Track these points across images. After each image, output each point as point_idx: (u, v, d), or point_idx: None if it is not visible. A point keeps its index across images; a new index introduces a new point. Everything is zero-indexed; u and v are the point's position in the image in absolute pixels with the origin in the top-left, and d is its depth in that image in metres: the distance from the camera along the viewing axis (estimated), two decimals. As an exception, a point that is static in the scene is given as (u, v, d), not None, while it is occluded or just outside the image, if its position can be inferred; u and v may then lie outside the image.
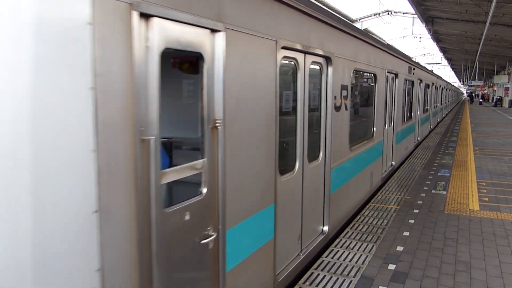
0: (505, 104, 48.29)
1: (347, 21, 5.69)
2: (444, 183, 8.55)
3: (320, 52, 4.53)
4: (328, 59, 4.87)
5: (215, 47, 2.71)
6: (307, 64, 4.35)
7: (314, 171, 4.69)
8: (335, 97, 5.05)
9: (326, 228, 5.05)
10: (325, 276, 4.30)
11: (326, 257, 4.78)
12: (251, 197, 3.24)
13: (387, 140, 8.92)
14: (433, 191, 7.85)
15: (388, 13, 40.23)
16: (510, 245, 5.23)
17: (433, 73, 20.92)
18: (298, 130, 4.29)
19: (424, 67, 16.45)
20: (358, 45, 6.13)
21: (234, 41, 2.86)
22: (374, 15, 40.47)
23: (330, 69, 4.90)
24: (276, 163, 3.63)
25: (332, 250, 4.98)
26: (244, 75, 3.03)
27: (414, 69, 12.06)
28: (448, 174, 9.39)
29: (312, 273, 4.37)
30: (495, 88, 60.74)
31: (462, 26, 29.55)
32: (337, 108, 5.18)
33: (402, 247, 5.10)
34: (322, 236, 4.95)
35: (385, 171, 8.90)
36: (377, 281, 4.23)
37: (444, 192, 7.78)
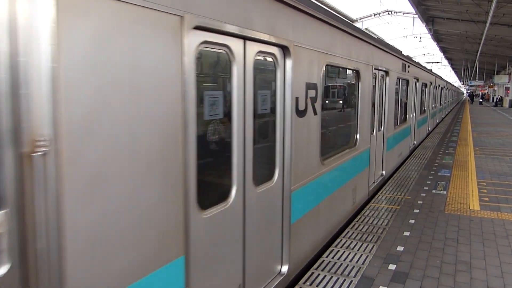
0: (506, 104, 48.29)
1: (317, 2, 4.68)
2: (444, 183, 8.54)
3: (271, 40, 3.41)
4: (285, 50, 3.74)
5: (30, 12, 1.58)
6: (249, 55, 3.20)
7: (264, 197, 3.56)
8: (297, 98, 3.96)
9: (285, 268, 3.97)
10: (325, 276, 4.30)
11: (327, 257, 4.78)
12: (129, 255, 2.09)
13: (376, 147, 7.80)
14: (433, 191, 7.84)
15: (389, 13, 40.30)
16: (510, 245, 5.23)
17: (432, 71, 20.34)
18: (234, 144, 3.10)
19: (421, 65, 15.60)
20: (333, 34, 4.94)
21: (80, 7, 1.77)
22: (375, 15, 40.55)
23: (288, 63, 3.78)
24: (190, 194, 2.52)
25: (333, 250, 4.98)
26: (111, 66, 1.94)
27: (409, 66, 11.04)
28: (449, 174, 9.38)
29: (313, 273, 4.37)
30: (495, 88, 60.77)
31: (463, 26, 29.56)
32: (301, 113, 4.10)
33: (403, 247, 5.10)
34: (281, 278, 3.90)
35: (374, 182, 7.75)
36: (378, 281, 4.23)
37: (445, 192, 7.78)
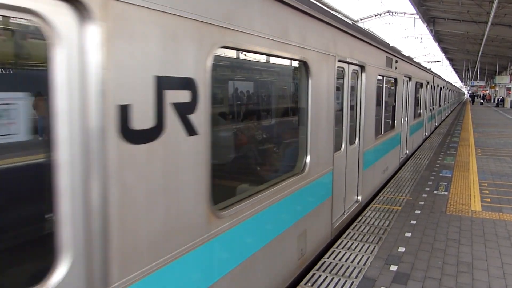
0: (507, 104, 48.21)
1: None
2: (446, 183, 8.53)
3: None
4: (77, 4, 1.81)
5: None
6: None
7: None
8: (124, 107, 2.03)
9: None
10: (326, 277, 4.29)
11: (328, 258, 4.77)
12: None
13: (346, 167, 5.91)
14: (435, 192, 7.83)
15: (390, 14, 40.36)
16: (512, 246, 5.22)
17: (430, 70, 19.03)
18: None
19: (415, 62, 13.55)
20: None
21: None
22: (376, 15, 40.59)
23: (91, 33, 1.86)
24: None
25: (334, 251, 4.97)
26: None
27: (396, 61, 9.04)
28: (450, 175, 9.37)
29: (314, 274, 4.36)
30: (496, 89, 60.74)
31: (464, 26, 29.57)
32: (141, 135, 2.15)
33: (404, 248, 5.09)
34: None
35: (343, 214, 5.89)
36: (379, 282, 4.22)
37: (446, 193, 7.76)
